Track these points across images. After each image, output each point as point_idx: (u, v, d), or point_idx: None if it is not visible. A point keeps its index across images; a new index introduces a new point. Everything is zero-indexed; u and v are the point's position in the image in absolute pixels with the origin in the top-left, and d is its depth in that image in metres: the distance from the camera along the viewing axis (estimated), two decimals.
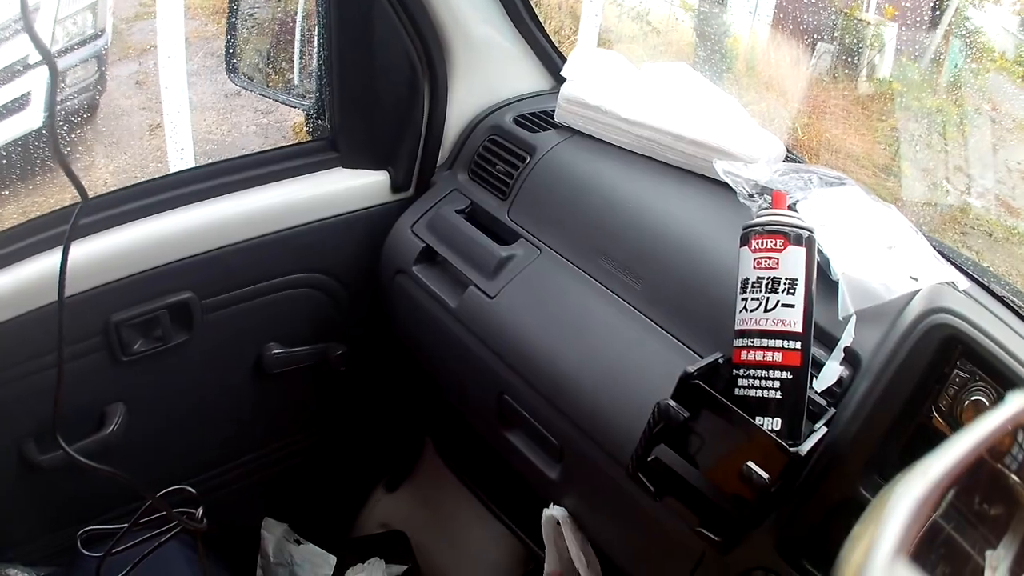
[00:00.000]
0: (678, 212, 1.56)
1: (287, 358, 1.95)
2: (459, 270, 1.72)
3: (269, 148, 1.88)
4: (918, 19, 5.04)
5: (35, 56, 4.52)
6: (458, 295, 1.71)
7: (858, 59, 5.13)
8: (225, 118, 5.10)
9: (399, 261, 1.85)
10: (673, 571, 1.53)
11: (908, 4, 5.10)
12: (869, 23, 5.15)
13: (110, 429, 1.79)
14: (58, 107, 4.47)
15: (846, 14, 5.16)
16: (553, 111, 1.81)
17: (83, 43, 4.76)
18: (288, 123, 5.22)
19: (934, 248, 1.46)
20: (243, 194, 1.82)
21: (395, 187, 1.93)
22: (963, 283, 1.37)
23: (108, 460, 1.67)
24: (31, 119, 4.49)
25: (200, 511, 1.44)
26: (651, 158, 1.67)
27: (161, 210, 1.74)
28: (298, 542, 2.32)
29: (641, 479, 1.25)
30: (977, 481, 1.04)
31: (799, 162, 1.68)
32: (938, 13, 4.94)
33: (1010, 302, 1.39)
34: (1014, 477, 1.05)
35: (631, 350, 1.45)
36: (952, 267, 1.42)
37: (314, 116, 2.01)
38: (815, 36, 5.14)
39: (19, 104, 4.47)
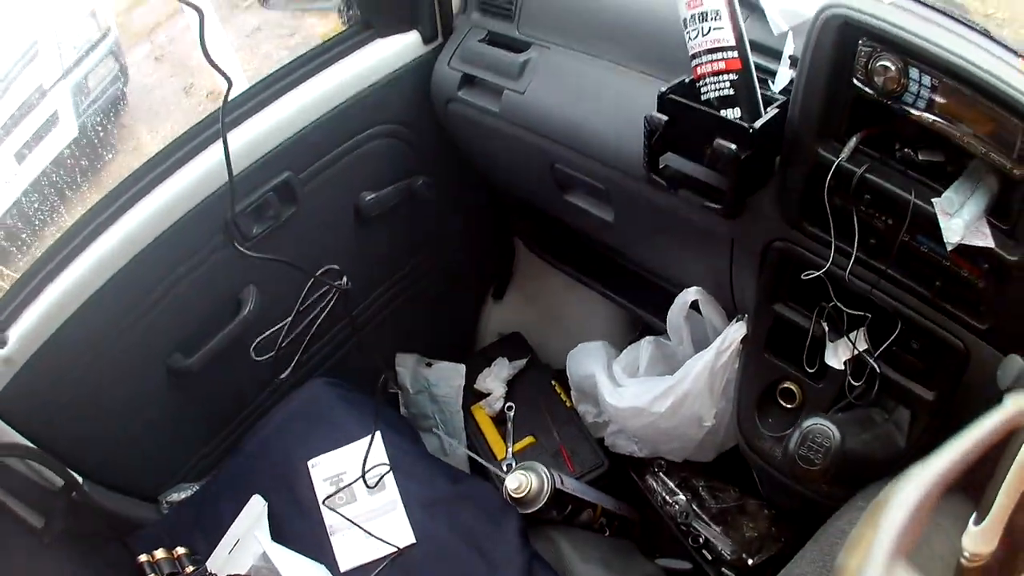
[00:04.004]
0: None
1: (380, 199, 2.37)
2: (493, 82, 2.19)
3: (321, 43, 2.32)
4: None
5: (48, 81, 4.74)
6: (498, 100, 2.18)
7: None
8: (255, 52, 5.38)
9: (447, 91, 2.31)
10: (718, 262, 2.00)
11: None
12: None
13: (247, 310, 2.17)
14: (92, 108, 4.81)
15: None
16: None
17: (93, 47, 4.98)
18: (314, 36, 5.29)
19: None
20: (309, 83, 2.21)
21: (426, 39, 2.34)
22: None
23: (246, 340, 2.08)
24: (67, 132, 4.73)
25: (345, 279, 1.79)
26: None
27: (249, 115, 2.12)
28: (428, 364, 2.72)
29: (655, 179, 1.71)
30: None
31: None
32: None
33: (943, 9, 1.65)
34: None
35: (631, 97, 1.89)
36: None
37: (345, 9, 2.42)
38: None
39: (51, 123, 4.69)
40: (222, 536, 2.02)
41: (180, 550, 1.97)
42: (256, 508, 2.03)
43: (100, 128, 4.91)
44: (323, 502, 2.02)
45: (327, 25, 5.20)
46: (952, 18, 1.65)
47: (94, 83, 4.94)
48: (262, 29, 5.45)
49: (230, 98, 1.54)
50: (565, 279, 2.76)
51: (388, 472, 2.05)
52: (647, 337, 2.39)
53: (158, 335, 2.08)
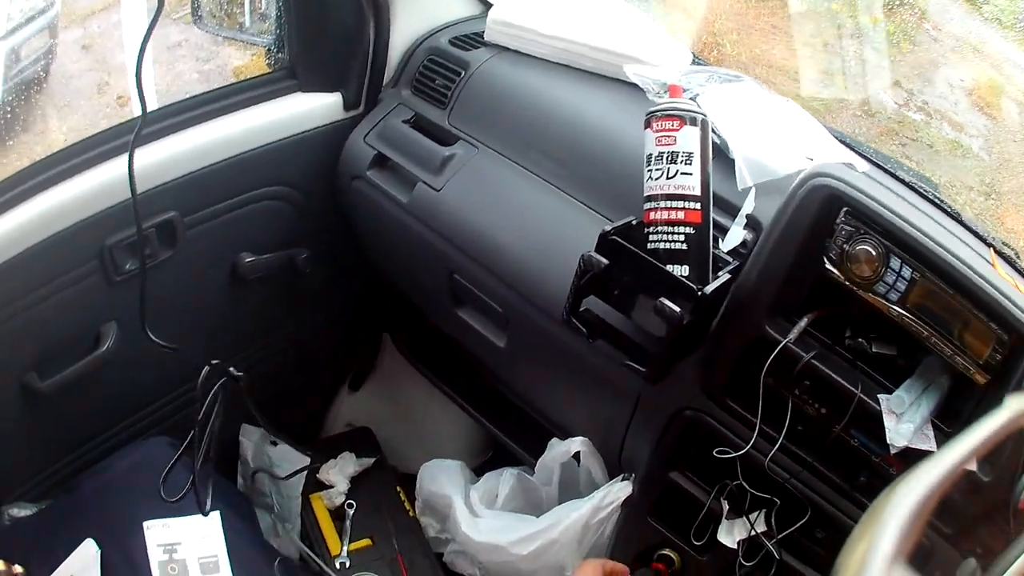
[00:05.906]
0: (593, 108, 1.92)
1: (259, 264, 2.24)
2: (408, 170, 2.07)
3: (238, 80, 2.17)
4: None
5: None
6: (408, 192, 2.06)
7: None
8: (170, 69, 5.32)
9: (355, 168, 2.18)
10: (615, 417, 1.89)
11: None
12: None
13: (105, 347, 2.03)
14: (15, 80, 4.80)
15: None
16: (483, 33, 2.15)
17: (36, 16, 4.95)
18: (228, 68, 5.48)
19: (838, 138, 1.76)
20: (216, 121, 2.09)
21: (347, 105, 2.24)
22: (862, 166, 1.63)
23: (104, 376, 2.03)
24: None
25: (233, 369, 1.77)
26: (569, 66, 2.03)
27: (144, 143, 1.97)
28: (274, 443, 2.57)
29: (575, 324, 1.57)
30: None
31: (705, 65, 1.99)
32: None
33: (915, 186, 1.66)
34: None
35: (559, 224, 1.80)
36: (854, 153, 1.70)
37: (275, 50, 2.28)
38: None
39: None
40: (55, 567, 1.93)
41: (18, 569, 1.88)
42: (89, 552, 1.93)
43: (20, 101, 4.89)
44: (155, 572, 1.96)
45: (243, 59, 5.40)
46: (928, 199, 1.64)
47: (26, 53, 4.90)
48: (182, 46, 5.48)
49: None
50: (428, 384, 2.66)
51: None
52: (509, 469, 2.30)
53: (15, 350, 1.95)
